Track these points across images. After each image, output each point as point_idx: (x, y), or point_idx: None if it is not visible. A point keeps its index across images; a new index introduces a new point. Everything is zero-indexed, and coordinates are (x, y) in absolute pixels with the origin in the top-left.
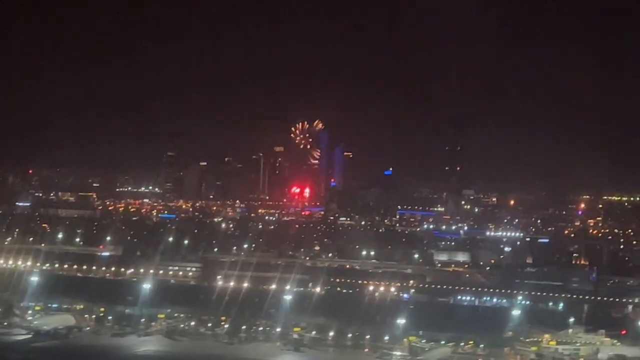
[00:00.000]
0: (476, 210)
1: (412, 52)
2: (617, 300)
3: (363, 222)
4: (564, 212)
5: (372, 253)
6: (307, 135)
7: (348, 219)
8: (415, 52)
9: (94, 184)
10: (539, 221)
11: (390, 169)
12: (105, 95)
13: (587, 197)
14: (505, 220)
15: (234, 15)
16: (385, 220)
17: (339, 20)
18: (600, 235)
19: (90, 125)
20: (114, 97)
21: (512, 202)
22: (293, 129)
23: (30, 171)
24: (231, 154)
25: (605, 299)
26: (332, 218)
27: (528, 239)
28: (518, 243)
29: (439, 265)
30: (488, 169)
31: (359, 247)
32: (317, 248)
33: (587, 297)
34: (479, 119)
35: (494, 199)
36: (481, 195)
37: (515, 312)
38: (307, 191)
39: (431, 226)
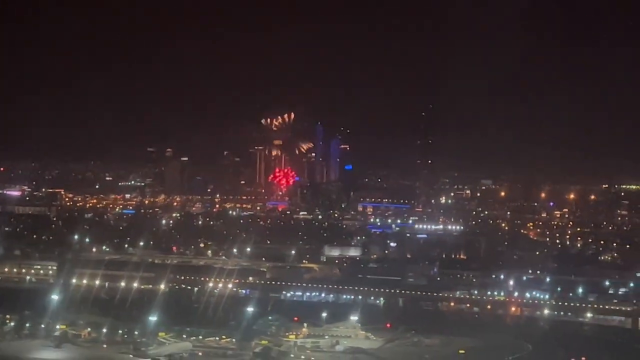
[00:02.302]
0: (449, 202)
1: (383, 45)
2: (433, 294)
3: (320, 217)
4: (536, 204)
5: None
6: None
7: (306, 213)
8: (386, 44)
9: (76, 179)
10: (508, 213)
11: (351, 164)
12: (99, 91)
13: (561, 187)
14: (474, 212)
15: (226, 8)
16: (336, 214)
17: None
18: (532, 227)
19: (78, 118)
20: (106, 92)
21: (485, 194)
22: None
23: (2, 168)
24: (230, 147)
25: (420, 293)
26: (288, 212)
27: (408, 235)
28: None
29: (324, 260)
30: (461, 161)
31: (256, 243)
32: (202, 245)
33: (404, 291)
34: (451, 111)
35: (468, 191)
36: (456, 186)
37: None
38: (290, 184)
39: (377, 220)
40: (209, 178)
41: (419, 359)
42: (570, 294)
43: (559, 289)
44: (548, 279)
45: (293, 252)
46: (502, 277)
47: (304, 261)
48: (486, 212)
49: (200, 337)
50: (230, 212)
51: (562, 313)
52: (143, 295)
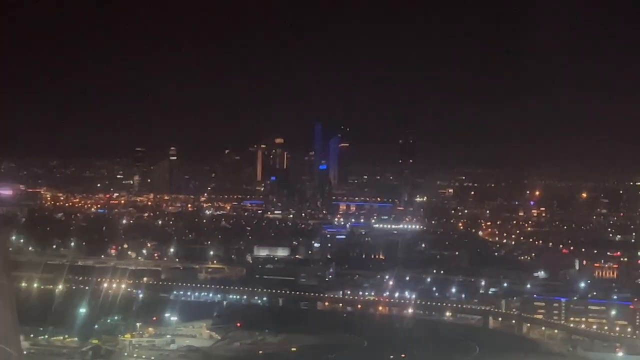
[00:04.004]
0: (430, 200)
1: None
2: (310, 294)
3: (291, 216)
4: (517, 202)
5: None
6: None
7: (280, 212)
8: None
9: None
10: (487, 212)
11: (325, 164)
12: (97, 90)
13: (552, 185)
14: (453, 211)
15: (224, 7)
16: (303, 214)
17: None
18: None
19: (75, 116)
20: (104, 92)
21: (467, 193)
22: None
23: None
24: (230, 145)
25: (299, 293)
26: (260, 212)
27: (327, 236)
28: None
29: (250, 260)
30: (442, 160)
31: (191, 243)
32: (125, 246)
33: (285, 291)
34: (433, 111)
35: (450, 190)
36: (438, 183)
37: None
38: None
39: (342, 220)
40: (207, 176)
41: (249, 355)
42: (437, 294)
43: (434, 288)
44: (429, 279)
45: (213, 252)
46: (386, 277)
47: (214, 261)
48: (466, 211)
49: (47, 336)
50: (207, 211)
51: (426, 312)
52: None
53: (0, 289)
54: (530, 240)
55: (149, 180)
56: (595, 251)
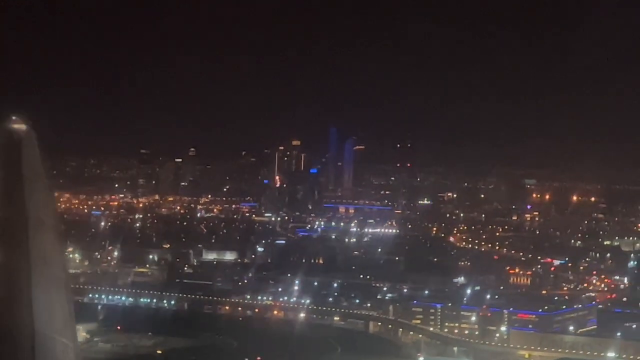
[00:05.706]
0: (429, 204)
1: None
2: (213, 298)
3: (278, 219)
4: (514, 207)
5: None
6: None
7: (268, 215)
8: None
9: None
10: (483, 215)
11: (317, 167)
12: (112, 91)
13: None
14: (448, 215)
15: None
16: (287, 217)
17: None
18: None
19: (89, 117)
20: (119, 93)
21: (464, 197)
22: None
23: None
24: (247, 147)
25: (203, 297)
26: (247, 214)
27: (269, 240)
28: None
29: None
30: (443, 164)
31: (144, 246)
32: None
33: (188, 295)
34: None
35: (450, 194)
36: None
37: None
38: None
39: (322, 223)
40: (222, 178)
41: (113, 357)
42: (334, 299)
43: (335, 294)
44: (336, 284)
45: (157, 256)
46: (296, 282)
47: (146, 265)
48: (461, 215)
49: None
50: (198, 214)
51: (319, 316)
52: None
53: (57, 281)
54: (490, 245)
55: (153, 182)
56: (539, 257)
